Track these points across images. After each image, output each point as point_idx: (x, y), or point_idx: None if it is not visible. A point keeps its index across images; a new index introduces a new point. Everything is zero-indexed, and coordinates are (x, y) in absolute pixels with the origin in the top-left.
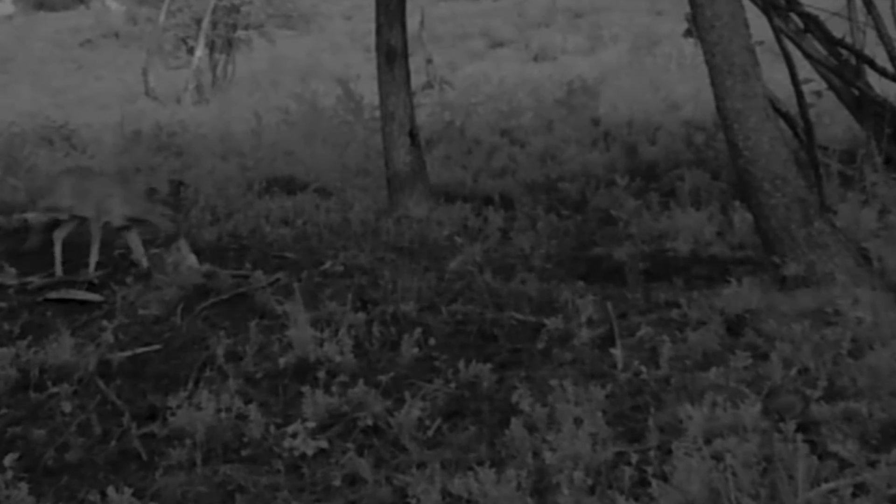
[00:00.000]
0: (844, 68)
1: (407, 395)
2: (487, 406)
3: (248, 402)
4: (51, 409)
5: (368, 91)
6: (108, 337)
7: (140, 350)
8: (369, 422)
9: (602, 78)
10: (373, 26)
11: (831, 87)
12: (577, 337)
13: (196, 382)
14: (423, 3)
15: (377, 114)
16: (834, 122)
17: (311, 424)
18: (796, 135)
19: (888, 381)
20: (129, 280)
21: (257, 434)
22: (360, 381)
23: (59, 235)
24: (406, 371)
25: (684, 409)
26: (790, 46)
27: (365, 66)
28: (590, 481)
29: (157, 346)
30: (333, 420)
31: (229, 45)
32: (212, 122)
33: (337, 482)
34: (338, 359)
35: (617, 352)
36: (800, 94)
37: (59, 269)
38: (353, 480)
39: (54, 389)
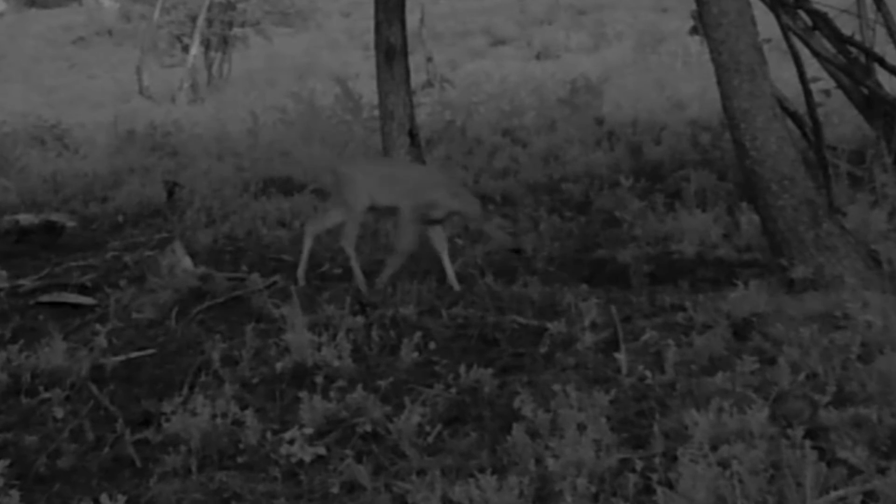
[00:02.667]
0: (853, 66)
1: (407, 400)
2: (489, 412)
3: (244, 407)
4: (43, 414)
5: (367, 90)
6: (102, 341)
7: (134, 354)
8: (368, 428)
9: (606, 76)
10: (371, 23)
11: (840, 85)
12: (580, 341)
13: (191, 387)
14: (424, 0)
15: (376, 113)
16: (843, 121)
17: (308, 430)
18: (804, 134)
19: None
20: (122, 283)
21: (254, 440)
22: (359, 387)
23: (312, 231)
24: (406, 376)
25: (690, 414)
26: (798, 44)
27: (364, 65)
28: (593, 488)
29: (151, 351)
30: (331, 426)
31: (225, 42)
32: (207, 122)
33: (335, 489)
34: (336, 363)
35: (621, 356)
36: (808, 93)
37: (302, 271)
38: (351, 487)
39: (46, 395)
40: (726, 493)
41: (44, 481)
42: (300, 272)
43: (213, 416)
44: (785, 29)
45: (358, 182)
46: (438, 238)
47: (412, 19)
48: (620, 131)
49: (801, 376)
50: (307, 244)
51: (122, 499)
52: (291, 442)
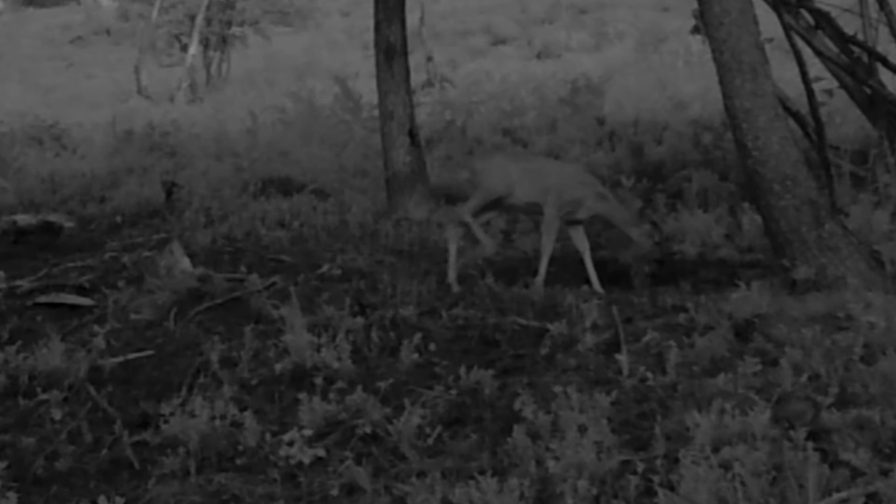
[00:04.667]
0: (856, 66)
1: (406, 401)
2: (489, 413)
3: (243, 409)
4: (40, 416)
5: (367, 89)
6: (100, 342)
7: (132, 356)
8: (368, 429)
9: (607, 76)
10: (371, 23)
11: (843, 85)
12: (581, 342)
13: (190, 389)
14: None
15: (376, 113)
16: (845, 121)
17: (307, 432)
18: (807, 134)
19: None
20: (120, 284)
21: (253, 442)
22: (359, 388)
23: (453, 235)
24: (406, 377)
25: (692, 416)
26: (801, 43)
27: (363, 64)
28: (594, 491)
29: (149, 352)
30: (331, 428)
31: (224, 42)
32: (206, 122)
33: (335, 491)
34: (335, 365)
35: (622, 358)
36: (810, 93)
37: (452, 273)
38: (351, 490)
39: (44, 396)
40: (728, 495)
41: (41, 483)
42: (452, 277)
43: (212, 418)
44: (787, 28)
45: (495, 172)
46: (579, 238)
47: (412, 18)
48: (622, 131)
49: (804, 378)
50: (452, 248)
51: (120, 501)
52: (291, 444)
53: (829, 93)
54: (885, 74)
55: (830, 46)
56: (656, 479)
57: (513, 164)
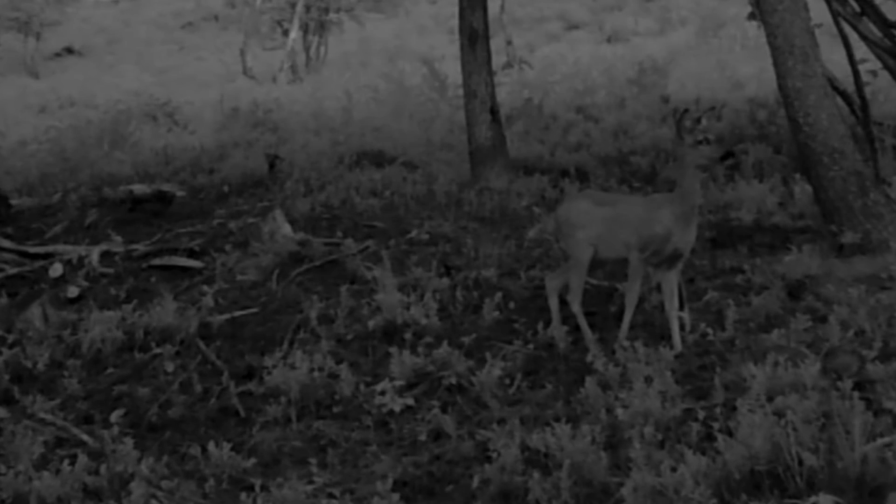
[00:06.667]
0: None
1: (488, 355)
2: (563, 365)
3: (339, 361)
4: (154, 368)
5: (452, 71)
6: (209, 301)
7: (238, 313)
8: (453, 380)
9: (671, 58)
10: (456, 10)
11: (886, 66)
12: (647, 301)
13: (291, 343)
14: None
15: (460, 92)
16: (888, 99)
17: (398, 383)
18: (853, 111)
19: None
20: (227, 248)
21: (348, 392)
22: (445, 343)
23: (553, 287)
24: (487, 333)
25: (748, 368)
26: (847, 29)
27: (449, 48)
28: (659, 436)
29: (254, 310)
30: (419, 379)
31: (321, 27)
32: (305, 100)
33: (423, 437)
34: (423, 321)
35: (685, 315)
36: (856, 73)
37: (560, 331)
38: (437, 435)
39: (158, 350)
40: (781, 440)
41: (155, 430)
42: (558, 334)
43: (311, 370)
44: (835, 14)
45: (578, 229)
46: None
47: (493, 5)
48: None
49: (850, 333)
50: (553, 302)
51: (227, 446)
52: (383, 393)
53: (874, 73)
54: None
55: (874, 31)
56: (716, 425)
57: (596, 212)
